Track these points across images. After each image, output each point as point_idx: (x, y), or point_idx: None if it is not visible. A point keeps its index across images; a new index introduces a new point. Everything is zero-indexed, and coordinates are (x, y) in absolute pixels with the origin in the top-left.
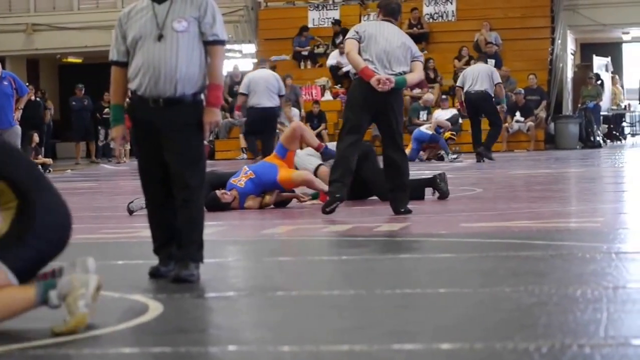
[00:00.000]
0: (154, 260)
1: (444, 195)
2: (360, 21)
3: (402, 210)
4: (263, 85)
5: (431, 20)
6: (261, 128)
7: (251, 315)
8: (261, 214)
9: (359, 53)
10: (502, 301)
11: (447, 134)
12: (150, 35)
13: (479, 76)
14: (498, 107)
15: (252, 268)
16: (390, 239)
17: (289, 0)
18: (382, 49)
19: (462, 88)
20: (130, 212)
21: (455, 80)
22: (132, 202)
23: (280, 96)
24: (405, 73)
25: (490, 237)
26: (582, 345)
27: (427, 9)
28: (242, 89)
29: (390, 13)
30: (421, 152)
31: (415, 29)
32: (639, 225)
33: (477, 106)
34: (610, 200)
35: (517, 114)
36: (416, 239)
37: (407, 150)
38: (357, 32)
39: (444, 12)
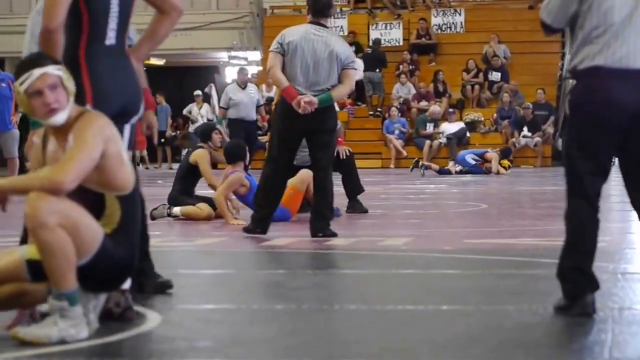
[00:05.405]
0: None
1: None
2: (368, 31)
3: (321, 235)
4: None
5: (439, 31)
6: None
7: (245, 329)
8: None
9: (284, 67)
10: (505, 320)
11: (506, 162)
12: None
13: None
14: None
15: (250, 280)
16: (393, 253)
17: (295, 7)
18: (308, 61)
19: None
20: (153, 218)
21: (463, 94)
22: (155, 208)
23: None
24: (333, 87)
25: (494, 254)
26: None
27: (435, 20)
28: None
29: (319, 11)
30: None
31: (423, 39)
32: None
33: None
34: (617, 219)
35: (525, 129)
36: (419, 254)
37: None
38: (280, 45)
39: (453, 23)
